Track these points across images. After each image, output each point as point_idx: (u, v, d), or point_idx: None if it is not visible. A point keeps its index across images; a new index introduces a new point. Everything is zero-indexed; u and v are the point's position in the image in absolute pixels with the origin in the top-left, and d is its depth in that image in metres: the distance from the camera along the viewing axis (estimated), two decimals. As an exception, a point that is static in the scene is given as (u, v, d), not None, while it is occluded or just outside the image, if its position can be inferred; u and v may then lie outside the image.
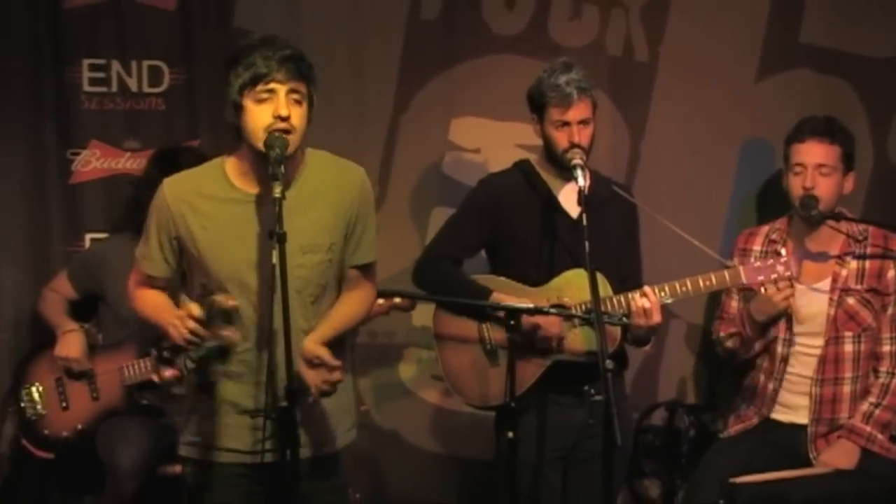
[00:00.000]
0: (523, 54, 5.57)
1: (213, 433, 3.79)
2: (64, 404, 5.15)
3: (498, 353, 4.61)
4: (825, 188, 4.80)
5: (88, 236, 5.53)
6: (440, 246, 4.75)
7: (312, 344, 3.66)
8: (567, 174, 4.52)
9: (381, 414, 5.59)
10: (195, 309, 3.61)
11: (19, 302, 5.49)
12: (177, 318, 3.64)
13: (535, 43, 5.58)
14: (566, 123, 4.50)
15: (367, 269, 3.89)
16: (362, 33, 5.56)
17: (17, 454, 5.35)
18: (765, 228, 5.01)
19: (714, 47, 5.62)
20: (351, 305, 3.87)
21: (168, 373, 4.92)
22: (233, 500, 3.80)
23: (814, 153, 4.82)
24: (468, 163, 5.56)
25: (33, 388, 5.17)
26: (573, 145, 4.49)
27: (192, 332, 3.60)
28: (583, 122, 4.52)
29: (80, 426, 5.15)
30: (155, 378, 5.04)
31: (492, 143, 5.55)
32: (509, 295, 4.55)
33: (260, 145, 3.60)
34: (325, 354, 3.63)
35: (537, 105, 4.56)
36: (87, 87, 5.52)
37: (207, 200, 3.74)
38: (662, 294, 4.52)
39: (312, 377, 3.62)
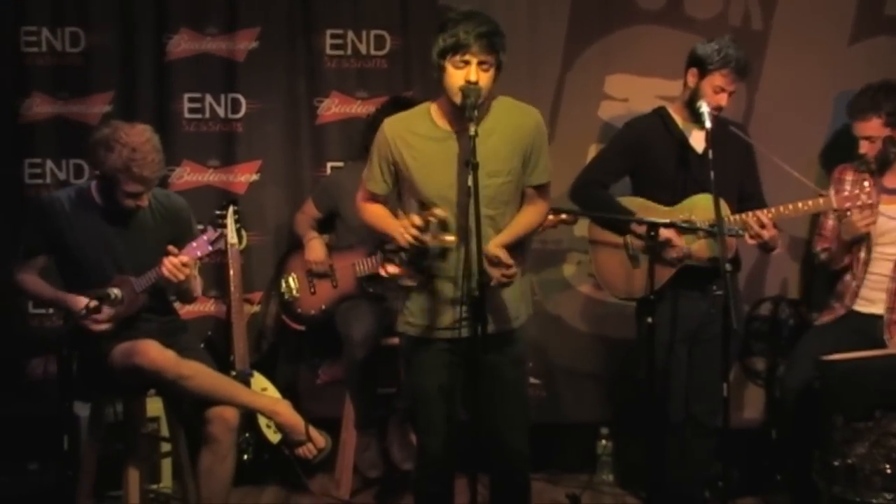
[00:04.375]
0: (663, 25, 5.47)
1: (423, 315, 3.84)
2: (312, 290, 5.25)
3: (639, 258, 4.59)
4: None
5: (329, 164, 5.58)
6: (592, 173, 4.73)
7: (493, 247, 3.67)
8: (697, 118, 4.47)
9: (548, 303, 5.60)
10: (416, 219, 3.66)
11: (279, 213, 5.58)
12: (401, 226, 3.69)
13: (673, 16, 5.47)
14: (723, 90, 4.45)
15: (541, 189, 3.89)
16: (536, 7, 5.51)
17: (278, 326, 5.49)
18: (854, 164, 4.89)
19: (815, 17, 5.45)
20: (527, 217, 3.88)
21: (391, 268, 4.99)
22: (436, 367, 3.83)
23: (861, 129, 4.77)
24: (618, 110, 5.50)
25: (290, 278, 5.28)
26: (718, 107, 4.46)
27: (414, 237, 3.66)
28: (732, 92, 4.50)
29: (323, 307, 5.24)
30: (382, 272, 5.12)
31: (637, 94, 5.45)
32: (647, 212, 4.54)
33: (456, 99, 3.64)
34: (502, 255, 3.64)
35: (705, 64, 4.48)
36: (328, 51, 5.55)
37: (416, 136, 3.78)
38: (770, 215, 4.46)
39: (493, 272, 3.65)
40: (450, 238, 3.71)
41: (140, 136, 4.22)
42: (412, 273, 3.81)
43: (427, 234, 3.68)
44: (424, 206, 3.74)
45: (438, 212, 3.70)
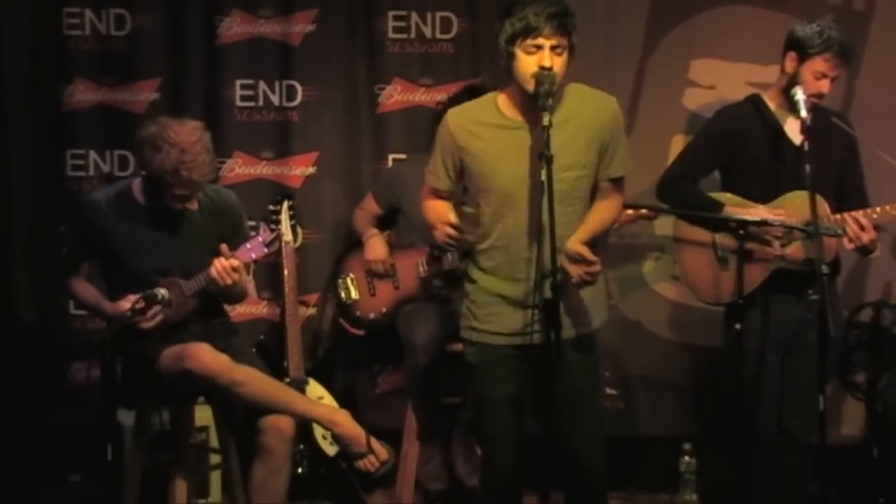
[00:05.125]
0: (755, 5, 5.42)
1: (488, 320, 3.83)
2: (372, 292, 5.25)
3: (728, 259, 4.56)
4: None
5: (391, 156, 5.59)
6: (681, 166, 4.69)
7: (574, 243, 3.65)
8: (793, 107, 4.42)
9: (626, 306, 5.57)
10: (452, 217, 3.70)
11: (337, 209, 5.60)
12: (439, 223, 3.73)
13: (767, -5, 5.46)
14: (825, 76, 4.40)
15: (617, 183, 3.86)
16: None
17: (335, 331, 5.52)
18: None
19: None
20: (603, 212, 3.84)
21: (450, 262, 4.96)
22: (504, 374, 3.82)
23: None
24: (704, 98, 5.46)
25: (348, 279, 5.28)
26: (819, 94, 4.41)
27: (449, 236, 3.69)
28: (835, 78, 4.44)
29: (384, 310, 5.24)
30: (422, 271, 5.09)
31: (725, 80, 5.42)
32: (738, 210, 4.50)
33: (527, 87, 3.63)
34: (584, 251, 3.62)
35: (805, 47, 4.42)
36: (391, 35, 5.56)
37: (483, 127, 3.76)
38: (874, 215, 4.40)
39: (574, 270, 3.62)
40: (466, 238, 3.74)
41: (190, 136, 4.20)
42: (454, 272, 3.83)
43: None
44: (460, 200, 3.75)
45: (467, 208, 3.71)
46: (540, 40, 3.60)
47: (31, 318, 5.59)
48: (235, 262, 4.24)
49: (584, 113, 3.77)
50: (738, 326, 4.42)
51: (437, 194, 3.91)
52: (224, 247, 4.27)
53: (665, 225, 5.06)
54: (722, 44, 5.46)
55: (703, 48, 5.49)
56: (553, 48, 3.61)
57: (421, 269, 5.21)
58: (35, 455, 5.43)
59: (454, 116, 3.82)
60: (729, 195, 4.58)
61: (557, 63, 3.62)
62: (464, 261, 3.80)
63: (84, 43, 5.58)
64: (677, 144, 5.27)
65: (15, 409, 5.51)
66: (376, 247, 5.25)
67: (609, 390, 5.42)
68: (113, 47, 5.58)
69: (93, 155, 5.61)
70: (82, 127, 5.59)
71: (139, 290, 4.29)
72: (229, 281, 4.25)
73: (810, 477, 4.63)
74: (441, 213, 3.85)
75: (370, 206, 5.33)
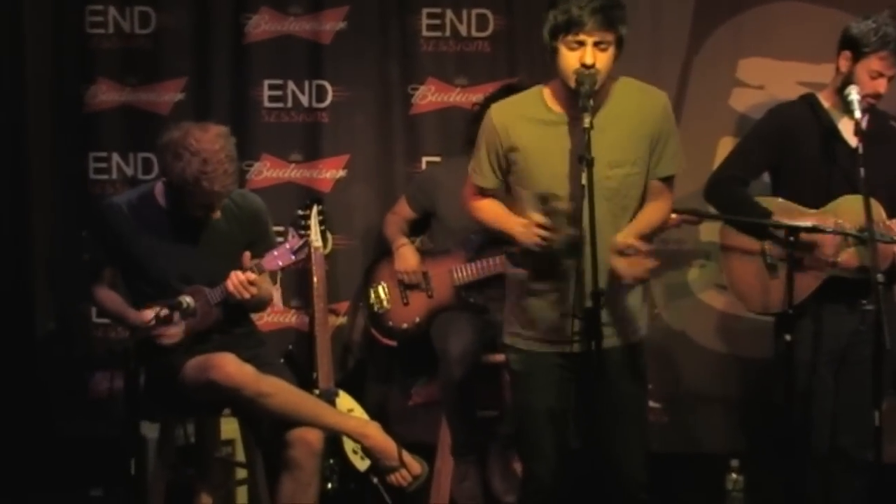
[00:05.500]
0: (808, 1, 5.40)
1: (532, 325, 3.84)
2: (404, 301, 5.27)
3: (777, 267, 4.54)
4: None
5: (424, 159, 5.61)
6: (730, 167, 4.67)
7: (623, 236, 3.65)
8: (848, 108, 4.41)
9: (670, 315, 5.56)
10: (538, 217, 3.65)
11: (368, 214, 5.63)
12: (523, 224, 3.69)
13: (818, -10, 5.44)
14: (881, 75, 4.39)
15: (668, 182, 3.86)
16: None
17: (366, 341, 5.54)
18: None
19: None
20: (652, 213, 3.83)
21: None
22: (547, 384, 3.82)
23: None
24: (753, 98, 5.44)
25: (380, 287, 5.30)
26: (875, 95, 4.40)
27: (540, 235, 3.65)
28: (892, 77, 4.42)
29: (417, 319, 5.26)
30: (457, 279, 5.06)
31: (775, 80, 5.41)
32: (789, 215, 4.49)
33: (570, 83, 3.63)
34: (636, 242, 3.62)
35: (859, 45, 4.39)
36: (425, 33, 5.58)
37: (528, 121, 3.77)
38: None
39: (625, 267, 3.62)
40: (573, 232, 3.66)
41: (213, 143, 4.20)
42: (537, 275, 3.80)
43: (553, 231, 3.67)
44: (544, 198, 3.73)
45: (561, 204, 3.68)
46: (582, 36, 3.59)
47: (52, 327, 5.64)
48: (252, 276, 4.25)
49: (634, 107, 3.77)
50: (788, 338, 4.39)
51: (483, 193, 3.92)
52: (246, 256, 4.29)
53: (711, 230, 5.05)
54: (771, 42, 5.44)
55: (752, 46, 5.47)
56: (597, 44, 3.60)
57: (456, 276, 5.23)
58: (56, 468, 5.47)
59: (498, 111, 3.83)
60: (779, 200, 4.56)
61: (601, 60, 3.61)
62: (574, 255, 3.73)
63: (107, 42, 5.62)
64: (724, 147, 5.25)
65: (35, 421, 5.55)
66: (407, 257, 5.28)
67: (653, 403, 5.39)
68: (137, 46, 5.63)
69: (116, 158, 5.66)
70: (105, 129, 5.64)
71: (162, 298, 4.32)
72: (247, 295, 4.27)
73: (865, 496, 4.62)
74: (500, 213, 3.85)
75: (403, 210, 5.36)
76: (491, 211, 3.90)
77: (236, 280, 4.25)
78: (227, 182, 4.23)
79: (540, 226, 3.64)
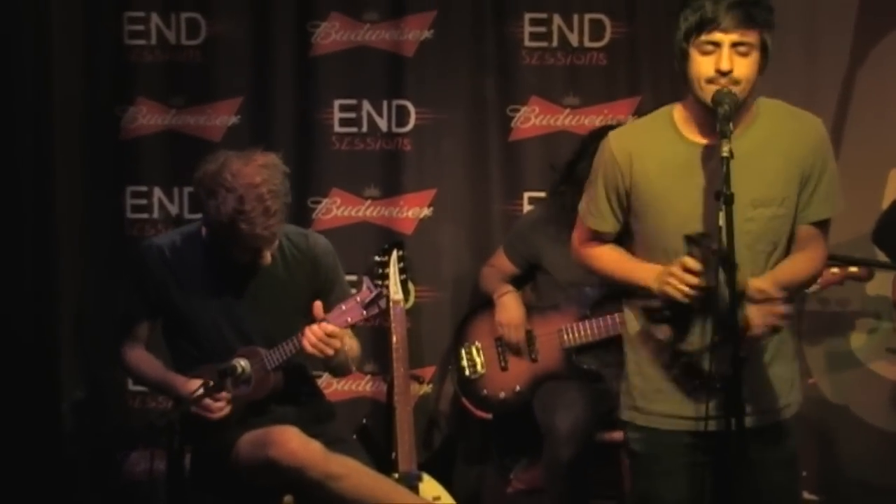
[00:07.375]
0: None
1: (656, 398, 3.81)
2: (503, 365, 5.27)
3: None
4: None
5: (527, 195, 5.64)
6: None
7: (758, 279, 3.58)
8: None
9: (830, 387, 5.51)
10: (691, 262, 3.56)
11: (458, 260, 5.66)
12: (669, 273, 3.60)
13: None
14: None
15: (822, 227, 3.79)
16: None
17: (456, 412, 5.56)
18: None
19: None
20: (800, 263, 3.77)
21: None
22: (677, 469, 3.79)
23: None
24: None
25: (473, 348, 5.31)
26: None
27: (695, 286, 3.56)
28: None
29: (518, 388, 5.26)
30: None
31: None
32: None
33: (702, 96, 3.59)
34: (769, 287, 3.55)
35: None
36: (527, 42, 5.62)
37: (654, 150, 3.74)
38: None
39: (757, 314, 3.56)
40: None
41: (252, 177, 4.19)
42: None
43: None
44: (693, 240, 3.64)
45: (715, 246, 3.56)
46: (717, 35, 3.55)
47: (81, 396, 5.69)
48: (331, 328, 4.26)
49: (783, 135, 3.72)
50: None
51: (599, 238, 3.89)
52: (317, 306, 4.29)
53: (882, 284, 5.00)
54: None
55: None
56: (735, 45, 3.55)
57: (566, 337, 5.21)
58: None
59: (619, 138, 3.80)
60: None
61: (741, 66, 3.56)
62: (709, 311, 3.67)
63: (149, 55, 5.70)
64: (896, 179, 5.23)
65: (60, 509, 5.61)
66: (510, 307, 5.27)
67: (807, 495, 5.36)
68: (184, 60, 5.70)
69: (157, 192, 5.72)
70: (146, 158, 5.71)
71: (208, 360, 4.35)
72: (330, 352, 4.26)
73: None
74: (623, 260, 3.82)
75: (502, 264, 5.36)
76: (610, 259, 3.87)
77: (313, 336, 4.24)
78: (272, 223, 4.23)
79: (689, 271, 3.57)
